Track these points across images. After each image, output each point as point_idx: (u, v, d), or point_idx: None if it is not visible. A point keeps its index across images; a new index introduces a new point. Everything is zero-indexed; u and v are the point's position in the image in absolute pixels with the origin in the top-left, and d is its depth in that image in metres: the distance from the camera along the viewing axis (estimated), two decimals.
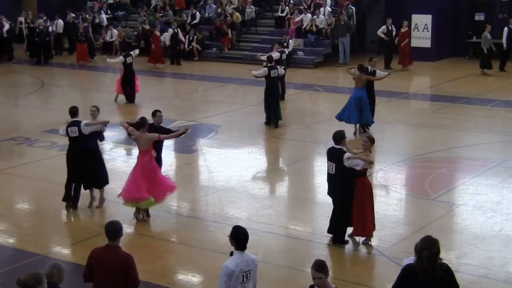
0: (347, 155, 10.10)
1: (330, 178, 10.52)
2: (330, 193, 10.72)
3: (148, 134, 11.34)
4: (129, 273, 6.95)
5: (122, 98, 21.15)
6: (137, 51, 21.96)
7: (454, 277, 6.52)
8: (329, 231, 10.70)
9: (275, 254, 10.43)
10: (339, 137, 10.27)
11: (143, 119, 11.49)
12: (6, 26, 29.83)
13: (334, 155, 10.27)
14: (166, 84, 24.57)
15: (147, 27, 29.74)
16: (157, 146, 11.89)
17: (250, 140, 17.11)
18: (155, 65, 27.37)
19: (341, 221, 10.47)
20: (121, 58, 21.07)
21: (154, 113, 12.01)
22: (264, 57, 19.57)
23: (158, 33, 27.82)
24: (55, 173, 14.22)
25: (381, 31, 26.39)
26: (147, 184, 11.35)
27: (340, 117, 16.74)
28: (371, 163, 10.35)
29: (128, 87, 20.94)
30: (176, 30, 28.21)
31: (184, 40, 28.57)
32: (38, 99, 22.79)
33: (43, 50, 29.49)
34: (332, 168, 10.35)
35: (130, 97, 21.01)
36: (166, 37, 28.19)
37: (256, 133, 17.71)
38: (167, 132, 11.87)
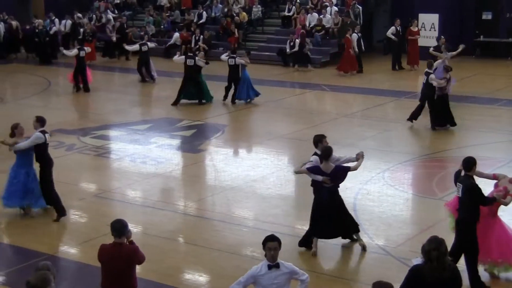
0: None
1: None
2: None
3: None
4: (135, 258, 7.25)
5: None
6: (89, 49, 24.24)
7: (460, 277, 6.51)
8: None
9: (281, 253, 10.25)
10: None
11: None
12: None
13: None
14: (171, 83, 24.49)
15: None
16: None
17: (256, 140, 17.12)
18: (348, 72, 25.05)
19: None
20: (75, 51, 22.89)
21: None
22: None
23: (350, 37, 25.01)
24: (62, 173, 14.23)
25: (390, 32, 26.16)
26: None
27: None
28: None
29: (80, 77, 22.84)
30: (359, 35, 25.57)
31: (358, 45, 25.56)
32: (44, 98, 22.82)
33: (43, 50, 29.56)
34: None
35: (85, 87, 22.89)
36: (355, 41, 25.13)
37: (262, 132, 17.69)
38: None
